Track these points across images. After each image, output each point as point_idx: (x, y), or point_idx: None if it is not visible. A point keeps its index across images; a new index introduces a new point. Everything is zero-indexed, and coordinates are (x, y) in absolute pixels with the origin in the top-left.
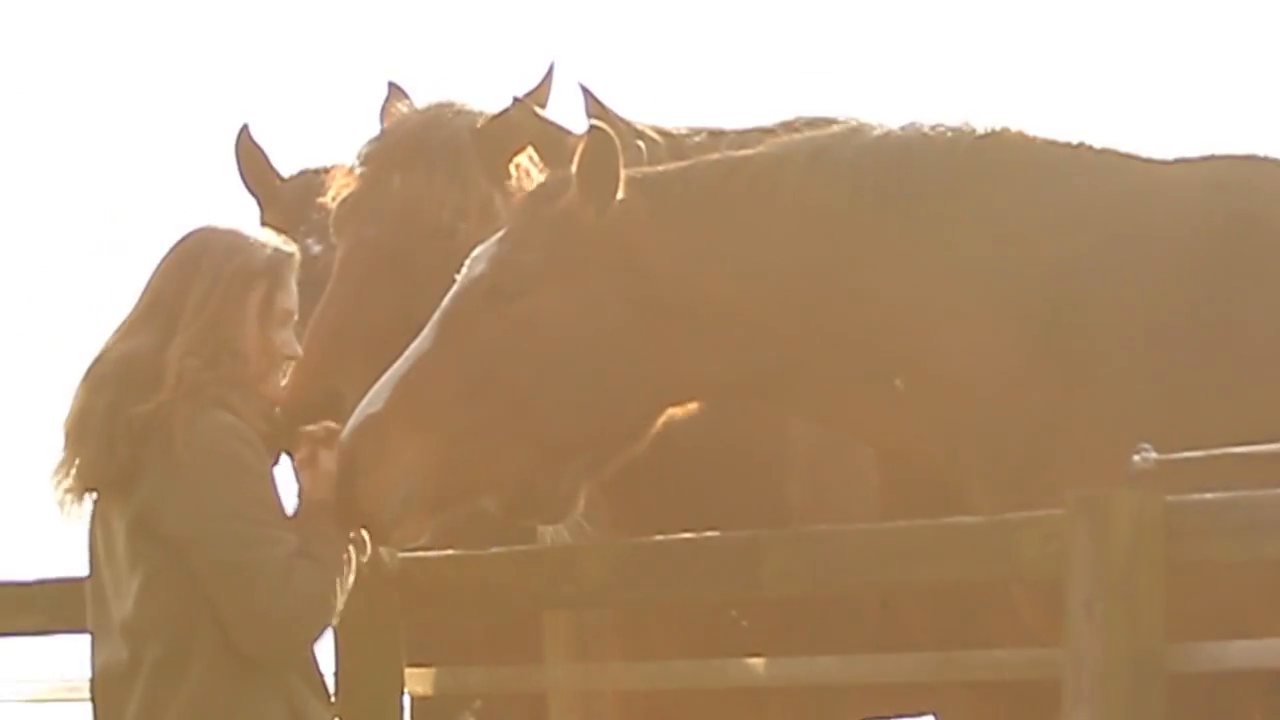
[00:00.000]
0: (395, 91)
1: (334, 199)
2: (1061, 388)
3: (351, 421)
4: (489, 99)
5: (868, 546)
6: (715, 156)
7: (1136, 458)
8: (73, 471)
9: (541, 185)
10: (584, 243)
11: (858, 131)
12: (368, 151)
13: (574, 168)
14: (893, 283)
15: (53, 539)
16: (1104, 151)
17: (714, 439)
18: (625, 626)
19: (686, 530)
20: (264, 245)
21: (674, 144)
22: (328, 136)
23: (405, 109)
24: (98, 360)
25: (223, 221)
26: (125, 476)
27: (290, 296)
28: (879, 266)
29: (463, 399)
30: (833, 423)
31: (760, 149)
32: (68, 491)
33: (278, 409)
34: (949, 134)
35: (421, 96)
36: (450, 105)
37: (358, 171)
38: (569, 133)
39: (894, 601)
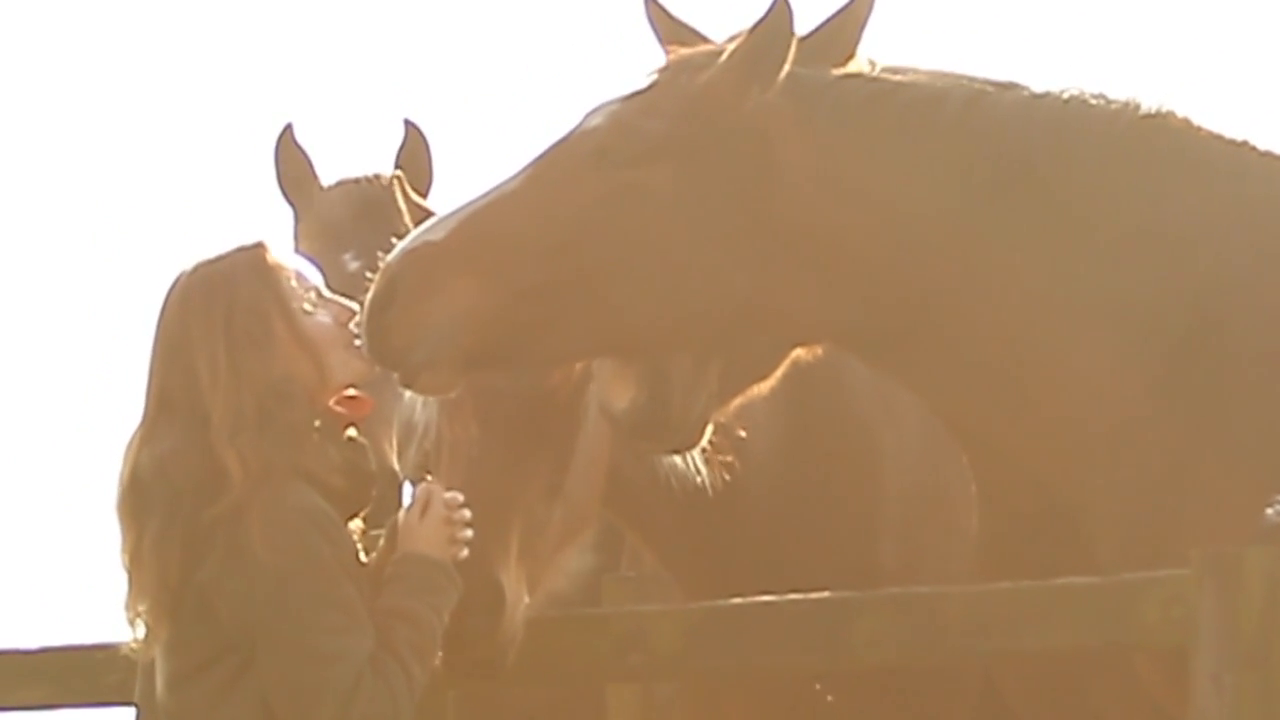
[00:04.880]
0: (413, 134)
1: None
2: (1191, 423)
3: (403, 243)
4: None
5: (970, 610)
6: (868, 73)
7: (1271, 510)
8: (142, 605)
9: (686, 56)
10: (718, 124)
11: (1016, 87)
12: None
13: (743, 39)
14: (1019, 270)
15: (58, 604)
16: (1267, 154)
17: (795, 491)
18: (699, 700)
19: (766, 594)
20: (236, 264)
21: None
22: (363, 146)
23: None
24: (131, 483)
25: (181, 269)
26: (177, 598)
27: (302, 281)
28: (1008, 247)
29: (536, 256)
30: (936, 406)
31: (916, 77)
32: (140, 619)
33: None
34: (1111, 108)
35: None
36: None
37: None
38: None
39: (997, 671)
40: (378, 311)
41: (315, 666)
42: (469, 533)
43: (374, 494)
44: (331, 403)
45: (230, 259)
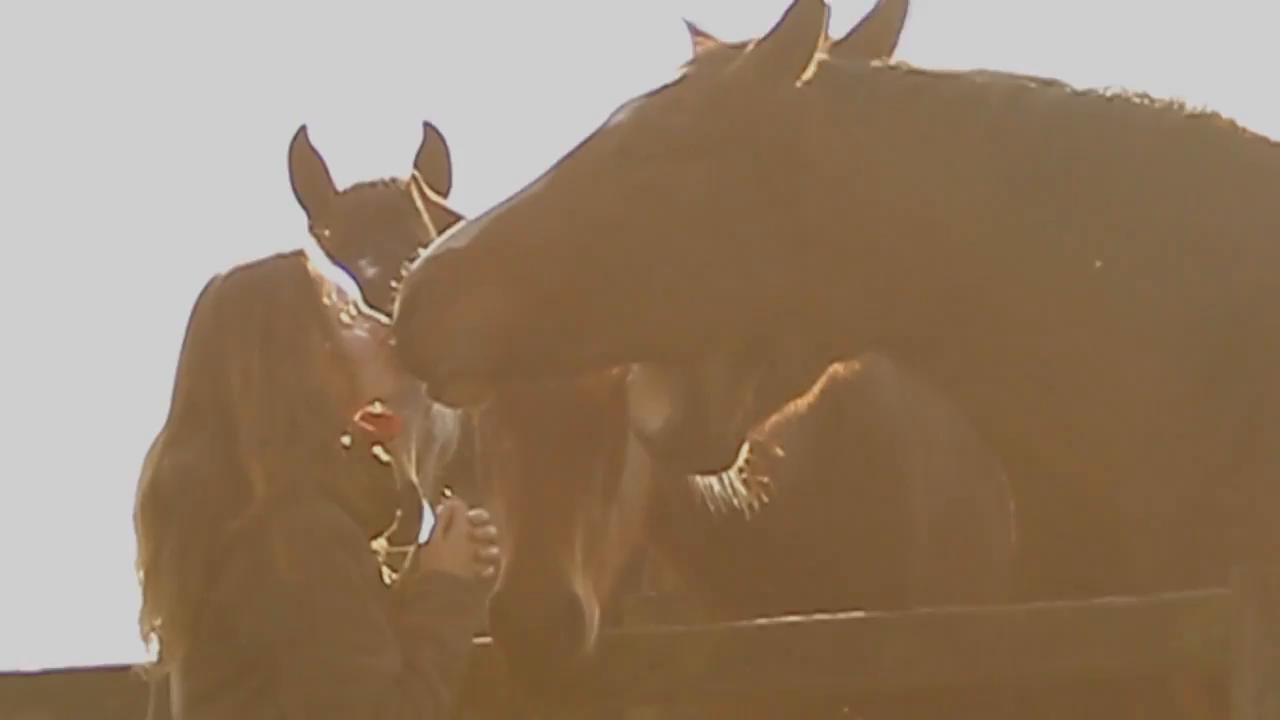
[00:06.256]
0: (432, 136)
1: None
2: (1234, 435)
3: (427, 251)
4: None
5: (1002, 632)
6: (904, 67)
7: None
8: (158, 619)
9: (712, 49)
10: (744, 116)
11: (1057, 84)
12: None
13: (771, 29)
14: (1055, 274)
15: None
16: None
17: (823, 511)
18: None
19: (793, 614)
20: (277, 270)
21: None
22: (379, 149)
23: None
24: (151, 491)
25: (215, 271)
26: (195, 613)
27: (341, 295)
28: (1045, 251)
29: (561, 259)
30: (973, 415)
31: (954, 71)
32: (155, 633)
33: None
34: (1155, 107)
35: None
36: None
37: None
38: None
39: (1031, 695)
40: (403, 320)
41: (341, 686)
42: (494, 550)
43: (398, 514)
44: (359, 419)
45: (271, 265)
